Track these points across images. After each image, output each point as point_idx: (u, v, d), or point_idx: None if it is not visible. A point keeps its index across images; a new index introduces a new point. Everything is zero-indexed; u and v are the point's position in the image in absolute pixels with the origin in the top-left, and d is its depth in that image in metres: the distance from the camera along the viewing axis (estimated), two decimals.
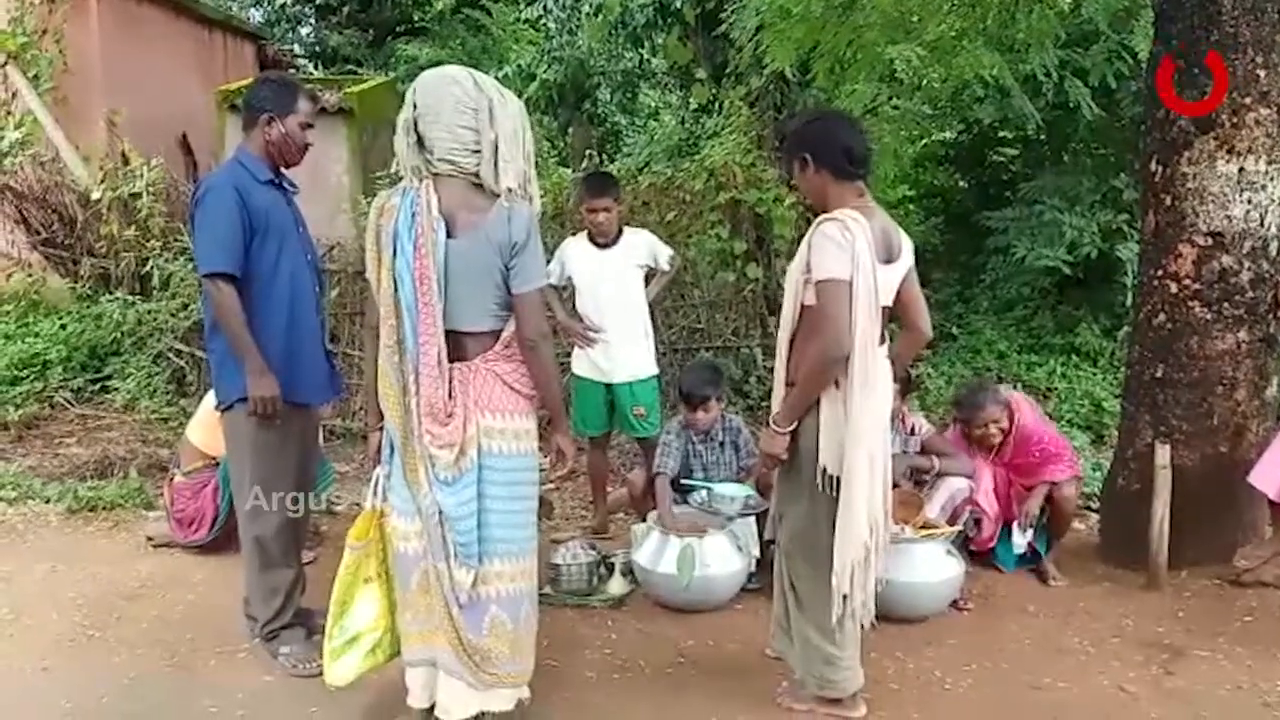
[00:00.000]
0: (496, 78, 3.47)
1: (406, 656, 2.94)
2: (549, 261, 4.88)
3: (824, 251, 2.74)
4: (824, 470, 2.85)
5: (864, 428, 2.77)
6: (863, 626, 3.02)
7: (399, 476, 2.83)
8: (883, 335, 2.92)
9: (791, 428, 2.88)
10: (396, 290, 2.73)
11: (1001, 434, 4.27)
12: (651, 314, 4.89)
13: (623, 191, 5.34)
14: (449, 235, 2.71)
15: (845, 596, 2.88)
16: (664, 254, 4.84)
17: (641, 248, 4.80)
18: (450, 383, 2.73)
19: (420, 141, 2.75)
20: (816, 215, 2.92)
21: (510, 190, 2.73)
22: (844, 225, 2.73)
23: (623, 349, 4.69)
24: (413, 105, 2.76)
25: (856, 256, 2.70)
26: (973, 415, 4.29)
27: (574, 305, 4.87)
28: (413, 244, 2.70)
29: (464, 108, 2.70)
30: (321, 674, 3.42)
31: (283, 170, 3.57)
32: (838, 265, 2.71)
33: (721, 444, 4.56)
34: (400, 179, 2.85)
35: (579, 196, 4.94)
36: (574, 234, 5.06)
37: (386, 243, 2.75)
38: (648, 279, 4.85)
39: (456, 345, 2.76)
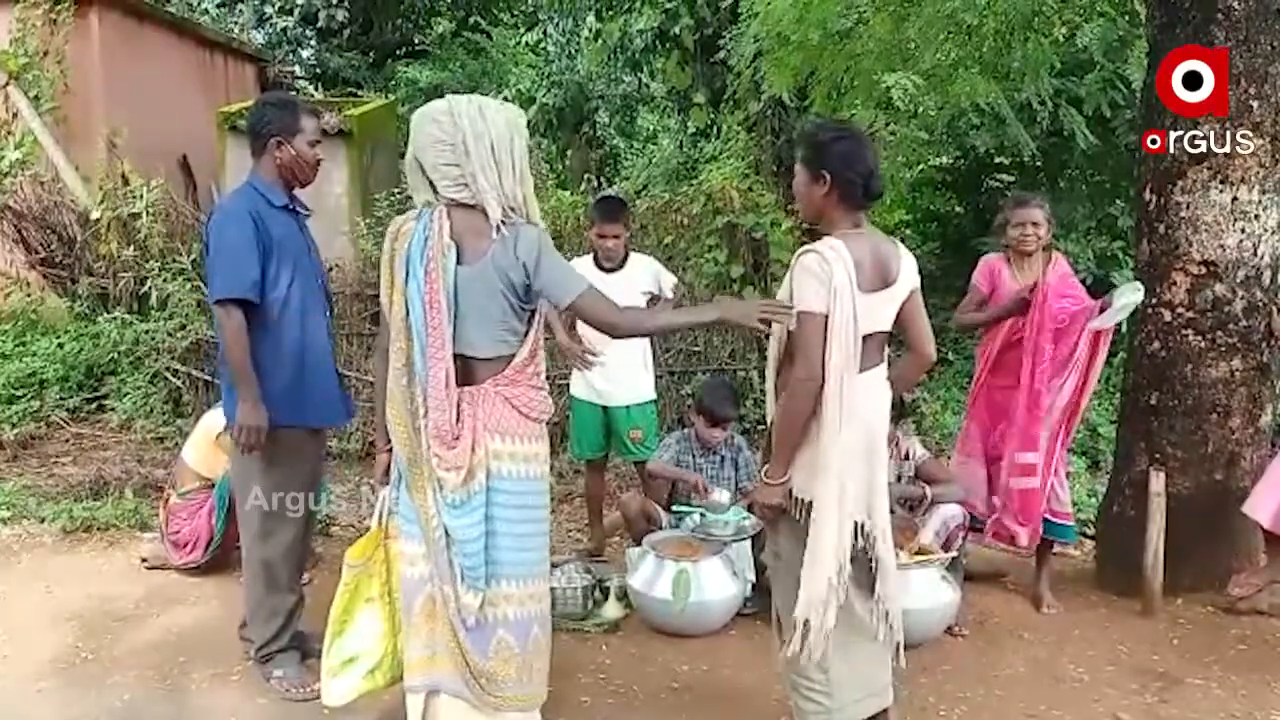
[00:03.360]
0: None
1: (407, 682, 2.92)
2: None
3: (801, 283, 2.76)
4: (795, 496, 2.85)
5: (834, 461, 2.74)
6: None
7: (406, 499, 2.83)
8: (880, 357, 2.93)
9: (786, 478, 2.84)
10: (407, 314, 2.75)
11: (1038, 242, 4.24)
12: (650, 338, 4.91)
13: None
14: (459, 261, 2.72)
15: (806, 628, 2.83)
16: (668, 281, 4.86)
17: (646, 273, 4.81)
18: (459, 406, 2.74)
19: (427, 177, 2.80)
20: (814, 234, 2.91)
21: (505, 219, 2.72)
22: (822, 257, 2.73)
23: (621, 372, 4.70)
24: (411, 145, 2.81)
25: (835, 290, 2.70)
26: (1015, 212, 4.29)
27: (573, 326, 4.88)
28: (424, 268, 2.71)
29: (442, 145, 2.72)
30: (315, 698, 3.43)
31: (295, 193, 3.58)
32: (814, 298, 2.72)
33: (723, 459, 4.59)
34: (407, 199, 2.89)
35: (590, 220, 4.96)
36: (576, 256, 5.08)
37: (400, 266, 2.76)
38: (649, 305, 4.87)
39: (466, 370, 2.77)
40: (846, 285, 2.71)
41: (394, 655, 2.96)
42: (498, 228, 2.71)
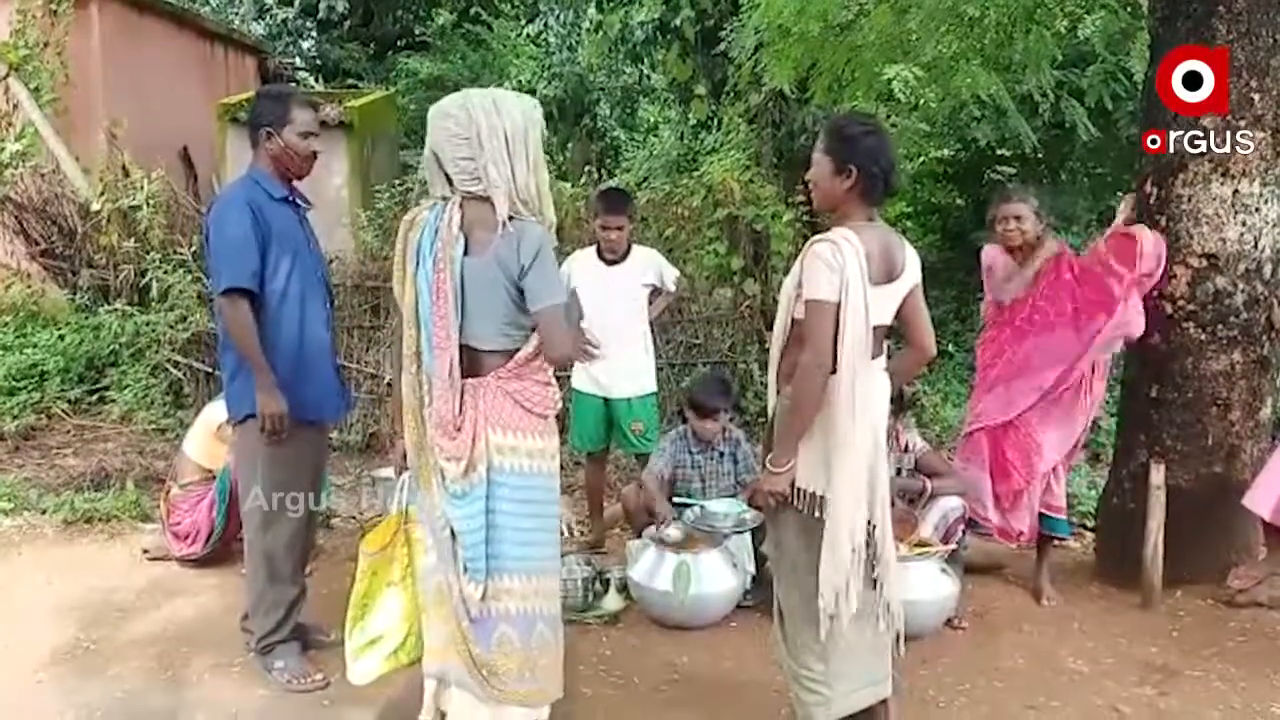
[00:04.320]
0: None
1: (425, 668, 2.94)
2: None
3: (814, 272, 2.76)
4: (798, 488, 2.87)
5: (850, 453, 2.76)
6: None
7: (417, 488, 2.87)
8: (879, 350, 2.94)
9: (791, 465, 2.84)
10: (417, 303, 2.77)
11: (1022, 236, 4.20)
12: (651, 331, 4.91)
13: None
14: (466, 252, 2.73)
15: (831, 617, 2.86)
16: (670, 275, 4.86)
17: (649, 267, 4.81)
18: (462, 397, 2.74)
19: (443, 170, 2.80)
20: (815, 226, 2.92)
21: (514, 214, 2.72)
22: (836, 246, 2.74)
23: (623, 365, 4.69)
24: (428, 139, 2.81)
25: (846, 280, 2.71)
26: (999, 207, 4.28)
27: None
28: (433, 258, 2.73)
29: (458, 140, 2.72)
30: (317, 688, 3.46)
31: (294, 185, 3.57)
32: (827, 287, 2.73)
33: (721, 455, 4.58)
34: (408, 191, 2.89)
35: (593, 212, 4.95)
36: (577, 249, 5.07)
37: (411, 255, 2.79)
38: (651, 298, 4.87)
39: (473, 361, 2.77)
40: (858, 275, 2.72)
41: (416, 636, 2.96)
42: (504, 223, 2.70)
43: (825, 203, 2.95)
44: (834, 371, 2.74)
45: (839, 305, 2.71)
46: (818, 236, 2.83)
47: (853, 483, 2.77)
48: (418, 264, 2.76)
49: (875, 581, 2.94)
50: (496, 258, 2.71)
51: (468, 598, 2.75)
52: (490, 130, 2.71)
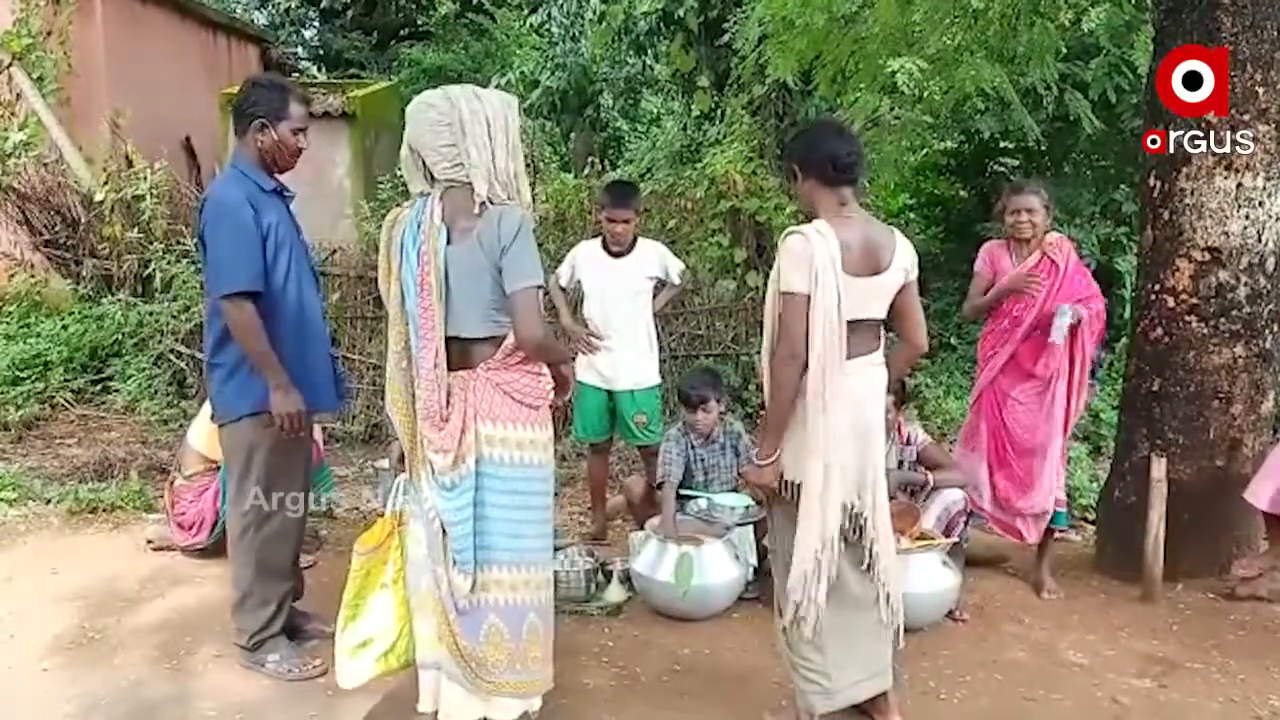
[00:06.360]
0: (499, 84, 3.46)
1: (419, 659, 2.96)
2: (560, 264, 4.91)
3: (785, 265, 2.82)
4: (785, 478, 2.91)
5: (818, 442, 2.80)
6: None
7: (411, 481, 2.90)
8: (877, 343, 2.96)
9: (775, 457, 2.90)
10: (403, 299, 2.81)
11: (1033, 228, 4.23)
12: (654, 322, 4.91)
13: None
14: (449, 241, 2.76)
15: (797, 604, 2.90)
16: (675, 268, 4.86)
17: (654, 259, 4.81)
18: (450, 390, 2.77)
19: (424, 164, 2.83)
20: (816, 218, 2.97)
21: (494, 198, 2.74)
22: (806, 239, 2.79)
23: (627, 357, 4.70)
24: (407, 135, 2.84)
25: (816, 271, 2.75)
26: (1010, 199, 4.31)
27: (577, 309, 4.88)
28: (416, 252, 2.77)
29: (440, 127, 2.75)
30: (315, 675, 3.47)
31: (279, 176, 3.51)
32: (796, 279, 2.78)
33: (723, 448, 4.58)
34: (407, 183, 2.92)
35: (600, 204, 4.95)
36: (581, 239, 5.06)
37: (395, 252, 2.83)
38: (655, 290, 4.87)
39: (462, 352, 2.80)
40: (829, 266, 2.76)
41: (408, 639, 2.98)
42: (483, 205, 2.74)
43: (808, 209, 3.04)
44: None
45: (809, 297, 2.75)
46: (789, 229, 2.88)
47: (822, 472, 2.81)
48: (402, 260, 2.80)
49: (870, 570, 2.97)
50: (478, 241, 2.73)
51: (456, 589, 2.78)
52: (472, 115, 2.75)
